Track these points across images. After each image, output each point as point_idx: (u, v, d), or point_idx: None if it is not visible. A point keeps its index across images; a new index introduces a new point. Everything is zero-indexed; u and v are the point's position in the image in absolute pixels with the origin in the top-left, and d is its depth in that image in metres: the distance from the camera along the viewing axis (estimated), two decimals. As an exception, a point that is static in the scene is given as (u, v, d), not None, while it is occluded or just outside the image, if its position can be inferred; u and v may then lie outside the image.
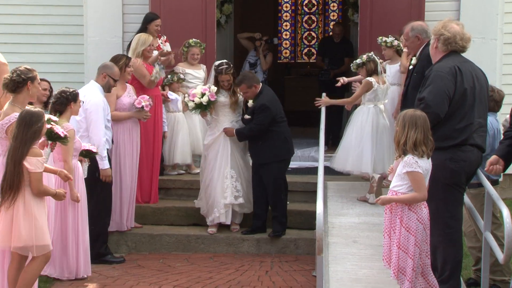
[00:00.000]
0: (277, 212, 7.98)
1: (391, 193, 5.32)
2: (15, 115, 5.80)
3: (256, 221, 8.06)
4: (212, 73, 8.27)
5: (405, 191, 5.24)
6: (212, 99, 7.97)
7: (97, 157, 7.28)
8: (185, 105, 8.32)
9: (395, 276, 5.24)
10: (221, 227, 8.11)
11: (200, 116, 8.37)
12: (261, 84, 8.13)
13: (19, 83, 6.00)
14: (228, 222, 8.05)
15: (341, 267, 6.32)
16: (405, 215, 5.21)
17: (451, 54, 5.74)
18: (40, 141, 5.83)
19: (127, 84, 8.07)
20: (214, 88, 8.01)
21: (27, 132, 5.54)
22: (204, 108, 8.02)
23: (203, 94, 7.95)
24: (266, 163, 7.92)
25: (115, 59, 7.84)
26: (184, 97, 8.37)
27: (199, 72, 9.15)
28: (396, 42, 8.28)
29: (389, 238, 5.32)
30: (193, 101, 7.99)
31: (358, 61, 8.00)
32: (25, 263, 5.79)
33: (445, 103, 5.50)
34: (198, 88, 8.08)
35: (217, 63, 8.25)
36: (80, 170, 6.88)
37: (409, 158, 5.20)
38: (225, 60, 8.44)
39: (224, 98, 8.08)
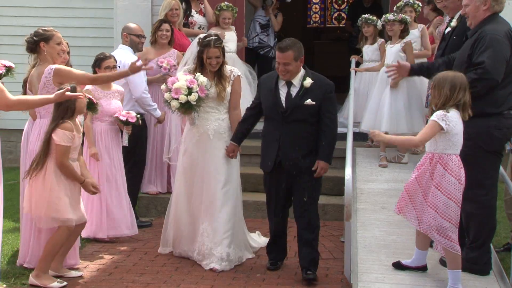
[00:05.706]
0: (314, 234, 6.17)
1: (430, 155, 5.17)
2: (52, 66, 5.85)
3: (278, 252, 6.54)
4: (195, 49, 6.38)
5: (441, 151, 5.10)
6: (202, 95, 6.10)
7: (150, 111, 7.47)
8: (165, 102, 6.24)
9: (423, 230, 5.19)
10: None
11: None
12: None
13: (31, 43, 6.02)
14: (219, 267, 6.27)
15: (369, 233, 6.33)
16: (444, 180, 5.07)
17: (495, 15, 5.61)
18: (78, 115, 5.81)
19: (174, 49, 8.07)
20: (203, 80, 6.11)
21: (58, 108, 5.62)
22: (191, 108, 6.14)
23: (190, 90, 6.04)
24: (308, 171, 5.98)
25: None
26: (165, 89, 6.24)
27: (231, 34, 9.08)
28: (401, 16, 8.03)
29: (423, 198, 5.21)
30: (177, 99, 6.05)
31: (393, 17, 7.93)
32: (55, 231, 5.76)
33: (503, 69, 5.42)
34: (181, 79, 6.13)
35: (202, 35, 6.43)
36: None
37: (440, 112, 5.06)
38: (213, 32, 7.39)
39: (210, 89, 6.23)
